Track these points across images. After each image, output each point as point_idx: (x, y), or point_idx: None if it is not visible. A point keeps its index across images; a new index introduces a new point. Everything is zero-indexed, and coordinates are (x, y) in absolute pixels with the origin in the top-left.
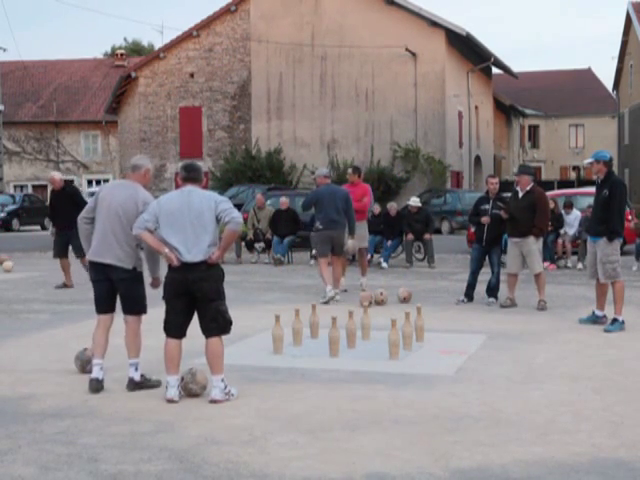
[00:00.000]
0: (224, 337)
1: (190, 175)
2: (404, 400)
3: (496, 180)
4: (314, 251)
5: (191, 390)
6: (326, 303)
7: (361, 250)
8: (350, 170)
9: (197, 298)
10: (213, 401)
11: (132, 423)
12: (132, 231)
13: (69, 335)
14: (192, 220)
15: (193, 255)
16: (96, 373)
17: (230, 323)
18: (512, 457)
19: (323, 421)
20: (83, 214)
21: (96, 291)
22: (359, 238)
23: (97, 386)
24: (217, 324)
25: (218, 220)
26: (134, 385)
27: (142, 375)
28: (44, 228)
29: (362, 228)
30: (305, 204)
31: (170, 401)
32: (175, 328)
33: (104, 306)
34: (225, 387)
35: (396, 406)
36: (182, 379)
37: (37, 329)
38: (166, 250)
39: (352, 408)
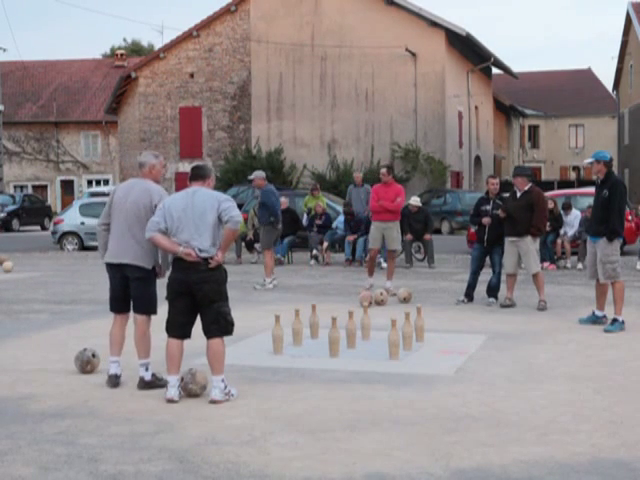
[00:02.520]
0: (225, 337)
1: (193, 173)
2: (404, 400)
3: (496, 180)
4: (313, 251)
5: (191, 390)
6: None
7: (391, 253)
8: (384, 170)
9: (198, 299)
10: (213, 401)
11: (132, 423)
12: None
13: (69, 335)
14: (195, 220)
15: (203, 254)
16: (114, 370)
17: (232, 324)
18: (512, 457)
19: (323, 421)
20: (101, 220)
21: (112, 290)
22: (391, 239)
23: (115, 381)
24: (218, 325)
25: (220, 219)
26: (144, 384)
27: (153, 374)
28: (44, 228)
29: (395, 229)
30: (277, 202)
31: (170, 401)
32: (176, 328)
33: (121, 305)
34: (225, 387)
35: (396, 406)
36: (182, 379)
37: (37, 329)
38: (180, 248)
39: (352, 408)
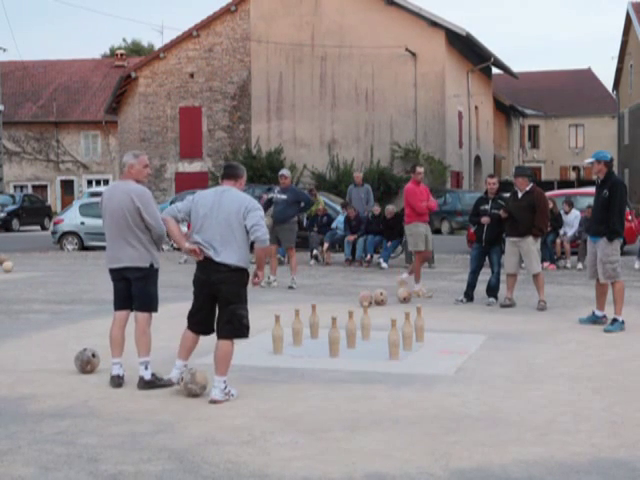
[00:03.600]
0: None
1: (225, 171)
2: (404, 400)
3: (494, 180)
4: (314, 251)
5: (191, 390)
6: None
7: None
8: (422, 169)
9: (218, 299)
10: (213, 401)
11: (132, 423)
12: (161, 218)
13: (69, 335)
14: (220, 221)
15: (222, 257)
16: (116, 371)
17: (247, 328)
18: (512, 457)
19: (323, 421)
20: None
21: (115, 290)
22: (430, 240)
23: (118, 382)
24: (231, 326)
25: (247, 229)
26: (144, 384)
27: (153, 374)
28: (44, 228)
29: (428, 230)
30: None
31: (169, 381)
32: (194, 324)
33: (122, 303)
34: (225, 387)
35: (396, 406)
36: (182, 379)
37: (37, 329)
38: (186, 244)
39: (352, 408)
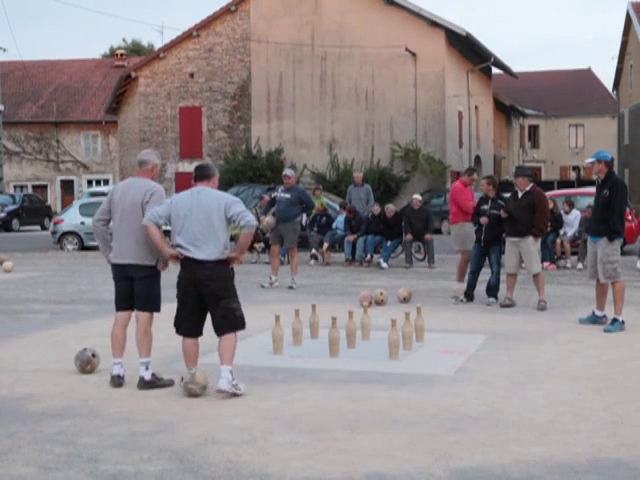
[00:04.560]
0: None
1: (197, 173)
2: (404, 400)
3: (484, 181)
4: (313, 251)
5: (191, 390)
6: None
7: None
8: (475, 175)
9: (206, 297)
10: (220, 391)
11: (132, 423)
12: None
13: (69, 335)
14: (200, 219)
15: (206, 254)
16: (117, 371)
17: (242, 319)
18: (512, 457)
19: (323, 421)
20: (98, 216)
21: (117, 289)
22: (472, 240)
23: (118, 381)
24: (227, 321)
25: (231, 221)
26: (144, 384)
27: (153, 374)
28: (44, 228)
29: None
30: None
31: (169, 381)
32: (187, 327)
33: (124, 303)
34: (233, 379)
35: (396, 406)
36: (182, 379)
37: (37, 329)
38: (169, 250)
39: (352, 408)
